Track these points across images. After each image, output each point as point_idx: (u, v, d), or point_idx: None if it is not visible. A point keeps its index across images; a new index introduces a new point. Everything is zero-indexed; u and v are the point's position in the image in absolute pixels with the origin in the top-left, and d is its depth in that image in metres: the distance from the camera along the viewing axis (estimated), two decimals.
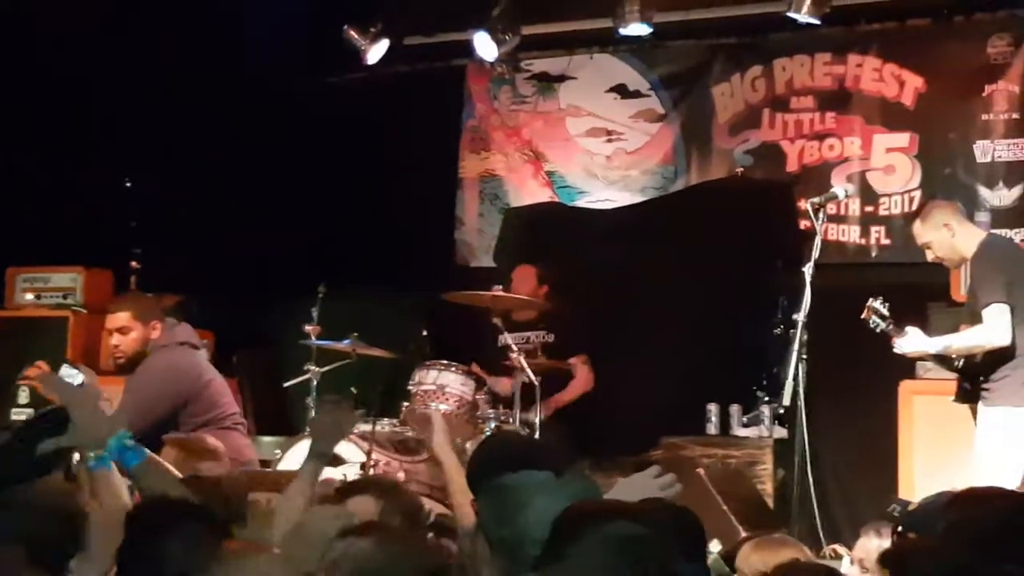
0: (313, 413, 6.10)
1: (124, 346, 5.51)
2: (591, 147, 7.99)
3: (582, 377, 6.98)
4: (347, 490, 3.37)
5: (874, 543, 3.78)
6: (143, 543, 2.62)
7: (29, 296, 7.01)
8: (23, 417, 5.28)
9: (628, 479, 3.10)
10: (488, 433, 6.27)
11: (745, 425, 6.73)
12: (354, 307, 6.81)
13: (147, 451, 3.20)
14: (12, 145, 6.86)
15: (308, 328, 6.55)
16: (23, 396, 5.37)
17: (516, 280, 7.02)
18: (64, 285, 6.98)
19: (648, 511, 2.67)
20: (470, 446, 6.17)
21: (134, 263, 6.85)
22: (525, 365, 6.42)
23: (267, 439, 6.42)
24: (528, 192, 8.14)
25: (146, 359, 5.42)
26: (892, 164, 7.24)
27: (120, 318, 5.55)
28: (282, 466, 5.90)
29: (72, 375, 4.04)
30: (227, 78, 7.28)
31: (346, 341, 6.49)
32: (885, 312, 5.30)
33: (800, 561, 3.10)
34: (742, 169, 7.57)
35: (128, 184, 7.16)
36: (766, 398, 6.63)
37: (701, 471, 5.90)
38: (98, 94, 7.08)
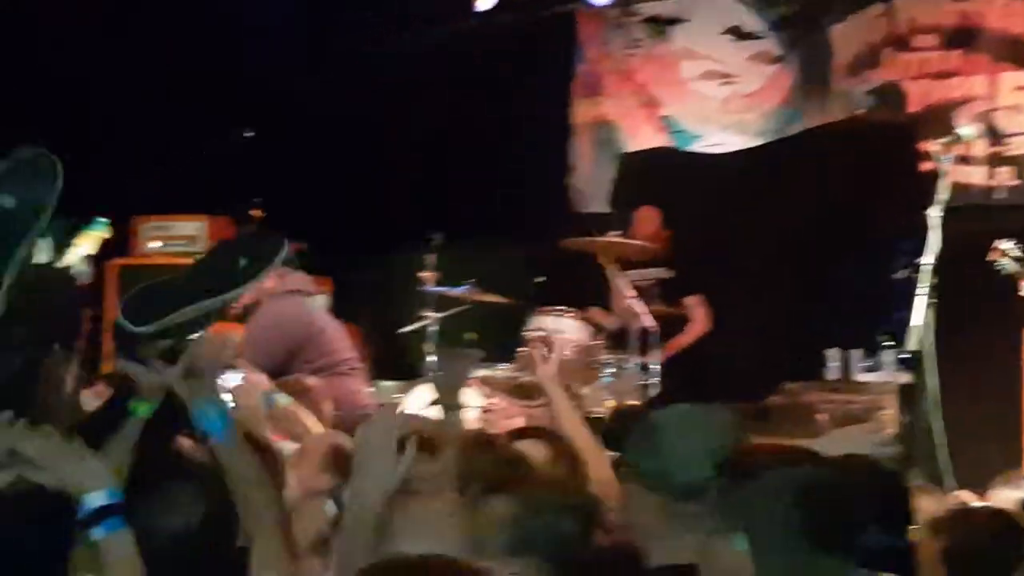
0: (434, 363, 6.22)
1: None
2: (706, 90, 7.88)
3: (699, 319, 6.93)
4: (519, 434, 3.52)
5: (1011, 493, 3.71)
6: None
7: (155, 244, 7.21)
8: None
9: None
10: (604, 378, 6.31)
11: (867, 370, 6.62)
12: (471, 255, 6.85)
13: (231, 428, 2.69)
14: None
15: (425, 275, 6.62)
16: None
17: (639, 222, 6.98)
18: (188, 233, 7.15)
19: (846, 465, 2.63)
20: (587, 391, 6.24)
21: (256, 211, 6.97)
22: (642, 309, 6.41)
23: (387, 383, 6.52)
24: (642, 137, 8.07)
25: (258, 309, 5.50)
26: (1021, 103, 7.02)
27: None
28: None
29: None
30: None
31: (463, 287, 6.56)
32: (1017, 253, 5.17)
33: (975, 506, 3.05)
34: (862, 111, 7.41)
35: (250, 134, 7.26)
36: (889, 343, 6.50)
37: (824, 416, 5.85)
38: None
